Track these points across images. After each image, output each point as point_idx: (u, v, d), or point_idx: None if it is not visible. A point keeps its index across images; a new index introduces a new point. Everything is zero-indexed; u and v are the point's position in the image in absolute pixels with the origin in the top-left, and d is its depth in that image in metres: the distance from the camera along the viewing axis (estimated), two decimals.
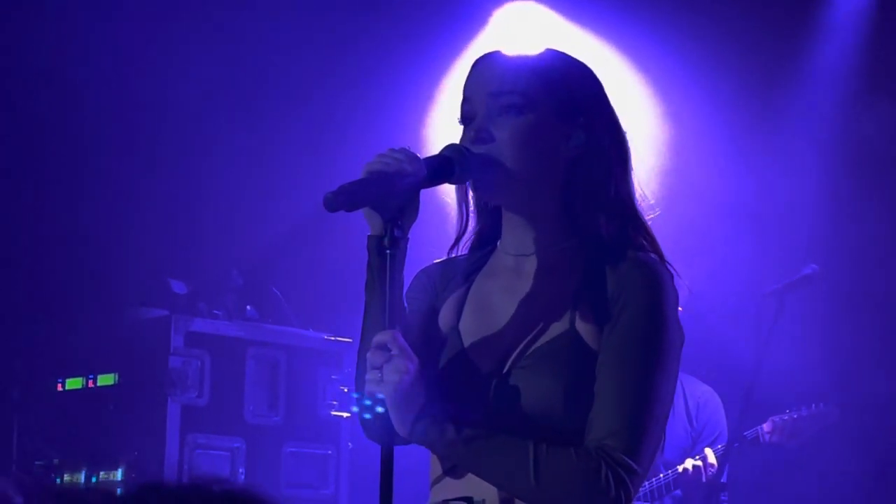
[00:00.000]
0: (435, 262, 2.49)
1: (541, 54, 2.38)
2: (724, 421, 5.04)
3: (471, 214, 2.44)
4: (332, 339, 5.69)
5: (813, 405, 4.96)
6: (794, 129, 5.80)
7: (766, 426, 4.93)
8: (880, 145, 5.59)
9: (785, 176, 5.74)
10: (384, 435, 2.17)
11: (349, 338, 5.69)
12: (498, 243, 2.42)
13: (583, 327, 2.25)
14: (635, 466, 2.17)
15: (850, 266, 5.53)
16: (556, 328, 2.27)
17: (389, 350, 2.17)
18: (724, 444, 4.89)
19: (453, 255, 2.46)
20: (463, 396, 2.28)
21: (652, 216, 2.41)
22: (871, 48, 5.69)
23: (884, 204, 5.58)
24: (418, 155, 2.22)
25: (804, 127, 5.78)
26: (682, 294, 2.34)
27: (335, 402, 5.64)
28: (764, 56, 5.69)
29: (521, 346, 2.28)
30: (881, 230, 5.55)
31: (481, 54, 2.41)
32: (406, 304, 2.39)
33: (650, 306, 2.24)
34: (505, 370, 2.27)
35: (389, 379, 2.16)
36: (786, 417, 4.93)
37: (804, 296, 5.06)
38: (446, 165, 2.26)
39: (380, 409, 2.18)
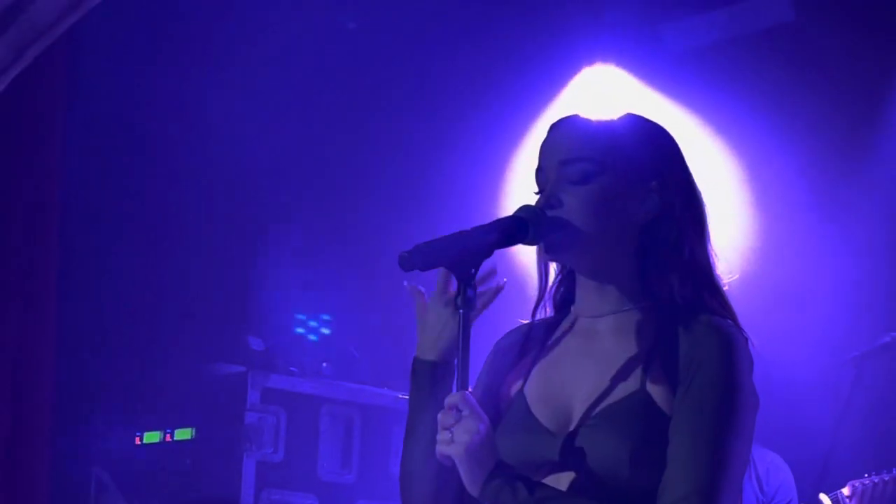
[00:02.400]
0: (520, 324, 2.50)
1: (616, 118, 2.40)
2: (794, 487, 4.99)
3: (550, 276, 2.46)
4: (406, 398, 5.69)
5: (894, 468, 4.88)
6: (876, 199, 5.75)
7: (846, 490, 4.85)
8: None
9: (865, 244, 5.69)
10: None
11: None
12: (572, 307, 2.43)
13: (654, 389, 2.25)
14: None
15: None
16: (627, 388, 2.27)
17: (460, 410, 2.19)
18: None
19: (537, 318, 2.47)
20: (529, 457, 2.28)
21: (729, 281, 2.41)
22: None
23: None
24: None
25: (886, 198, 5.73)
26: (756, 360, 2.33)
27: None
28: (844, 127, 5.66)
29: (590, 404, 2.28)
30: None
31: (557, 119, 2.43)
32: (486, 368, 2.41)
33: (725, 370, 2.24)
34: (572, 429, 2.28)
35: (460, 440, 2.17)
36: (866, 482, 4.85)
37: (883, 364, 5.01)
38: (520, 226, 2.28)
39: None
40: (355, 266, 5.94)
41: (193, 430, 5.35)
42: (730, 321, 2.33)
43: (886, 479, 4.85)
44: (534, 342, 2.44)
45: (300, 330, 2.06)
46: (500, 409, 2.39)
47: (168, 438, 5.41)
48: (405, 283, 2.37)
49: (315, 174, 6.04)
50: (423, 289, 2.38)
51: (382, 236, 5.76)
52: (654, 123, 2.43)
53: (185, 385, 5.45)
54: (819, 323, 5.61)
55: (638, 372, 2.27)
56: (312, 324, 2.20)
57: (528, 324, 2.47)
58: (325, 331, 2.16)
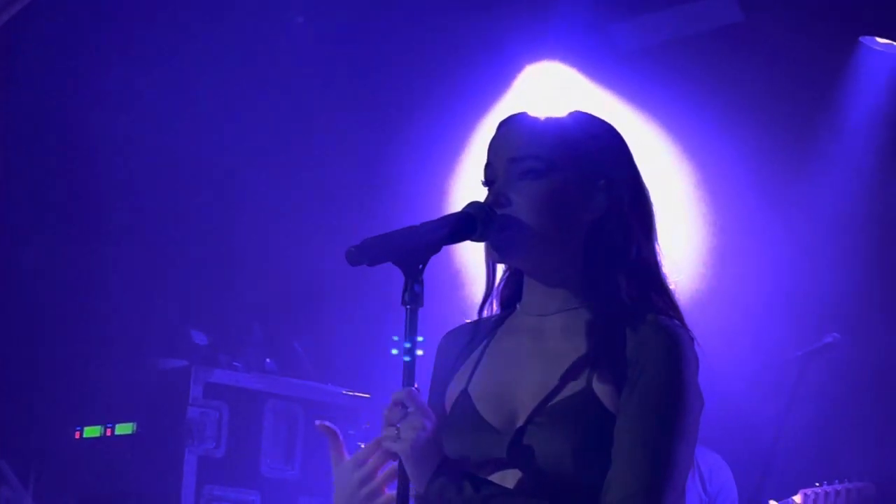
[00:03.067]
0: (465, 322, 2.49)
1: (564, 116, 2.39)
2: (735, 490, 5.00)
3: (497, 273, 2.45)
4: (351, 394, 5.68)
5: (847, 480, 4.89)
6: (822, 200, 5.79)
7: (797, 498, 4.87)
8: None
9: (811, 244, 5.73)
10: None
11: (367, 393, 5.68)
12: (518, 304, 2.42)
13: (600, 388, 2.24)
14: None
15: (873, 337, 5.51)
16: (573, 387, 2.26)
17: (406, 407, 2.18)
18: None
19: (483, 316, 2.46)
20: (474, 455, 2.27)
21: (676, 280, 2.41)
22: (894, 121, 5.70)
23: None
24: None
25: (832, 199, 5.78)
26: (702, 360, 2.33)
27: None
28: (791, 126, 5.70)
29: (536, 403, 2.28)
30: None
31: (505, 116, 2.42)
32: (434, 366, 2.40)
33: (670, 371, 2.24)
34: (518, 427, 2.27)
35: (406, 436, 2.16)
36: (818, 491, 4.85)
37: (825, 364, 5.05)
38: (468, 223, 2.27)
39: None
40: (303, 262, 5.91)
41: (134, 425, 5.31)
42: (676, 321, 2.32)
43: (839, 489, 4.85)
44: (479, 340, 2.43)
45: (395, 351, 2.08)
46: (445, 406, 2.38)
47: (109, 433, 5.37)
48: (316, 421, 2.37)
49: (261, 170, 6.00)
50: (336, 428, 2.38)
51: (328, 232, 5.74)
52: (603, 121, 2.42)
53: (126, 379, 5.41)
54: (763, 322, 5.65)
55: (584, 371, 2.27)
56: (407, 345, 2.19)
57: (473, 322, 2.46)
58: (420, 352, 2.16)
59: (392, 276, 2.24)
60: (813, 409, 5.17)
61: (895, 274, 5.59)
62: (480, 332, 2.44)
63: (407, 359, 2.18)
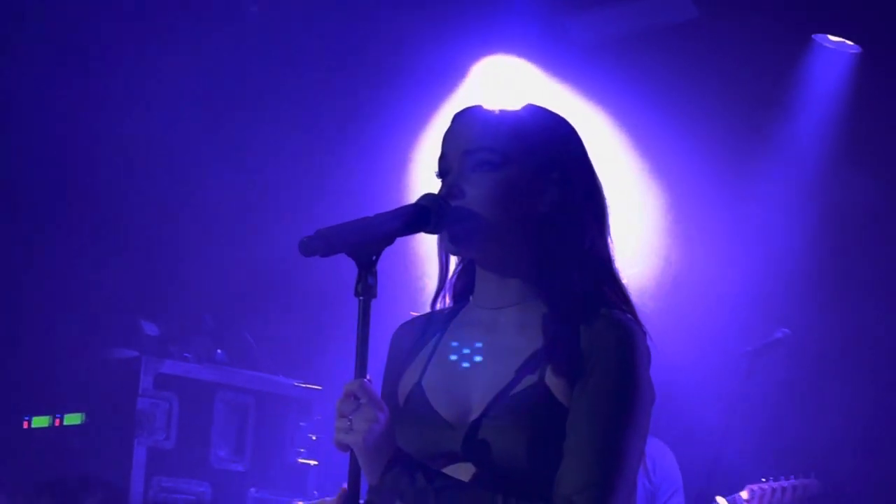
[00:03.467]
0: (415, 316, 2.49)
1: (519, 109, 2.39)
2: (680, 477, 5.04)
3: (451, 265, 2.45)
4: (302, 385, 5.67)
5: (793, 476, 4.93)
6: (771, 195, 5.83)
7: (744, 494, 4.90)
8: (855, 216, 5.63)
9: (763, 239, 5.77)
10: None
11: (319, 385, 5.67)
12: (471, 297, 2.42)
13: (553, 381, 2.25)
14: None
15: (822, 332, 5.56)
16: (526, 381, 2.26)
17: (359, 398, 2.17)
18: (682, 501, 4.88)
19: (436, 308, 2.46)
20: (428, 447, 2.27)
21: (629, 274, 2.42)
22: (848, 123, 5.74)
23: (856, 271, 5.61)
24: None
25: (781, 194, 5.82)
26: (653, 353, 2.34)
27: (302, 450, 5.61)
28: (745, 122, 5.73)
29: (489, 396, 2.28)
30: (854, 298, 5.59)
31: (460, 108, 2.42)
32: (387, 359, 2.39)
33: (622, 364, 2.25)
34: (472, 420, 2.27)
35: (359, 428, 2.15)
36: (765, 487, 4.90)
37: (775, 360, 5.08)
38: (422, 215, 2.26)
39: None
40: (257, 255, 5.89)
41: (83, 416, 5.28)
42: (629, 315, 2.33)
43: (785, 485, 4.91)
44: (432, 333, 2.42)
45: (453, 357, 2.08)
46: (398, 399, 2.37)
47: (57, 423, 5.33)
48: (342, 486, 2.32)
49: (213, 161, 5.96)
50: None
51: (281, 223, 5.72)
52: (557, 115, 2.42)
53: (75, 369, 5.37)
54: (715, 316, 5.68)
55: (537, 364, 2.27)
56: (466, 351, 2.20)
57: (426, 314, 2.46)
58: (478, 358, 2.16)
59: (346, 268, 2.24)
60: (762, 403, 5.20)
61: (845, 270, 5.63)
62: (433, 325, 2.43)
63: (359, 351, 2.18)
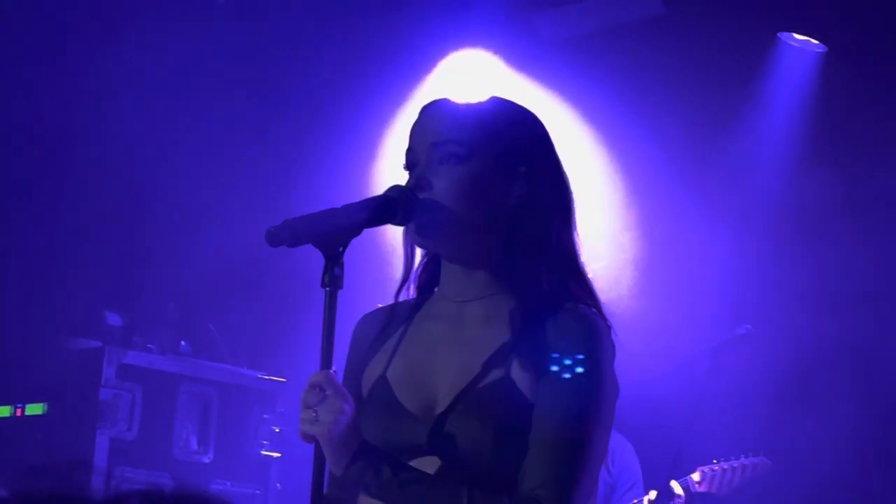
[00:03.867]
0: (378, 307, 2.49)
1: (486, 103, 2.40)
2: (639, 470, 5.07)
3: (416, 257, 2.45)
4: (267, 377, 5.65)
5: (742, 456, 5.00)
6: (735, 191, 5.86)
7: (695, 476, 4.96)
8: (815, 210, 5.67)
9: (728, 236, 5.80)
10: None
11: (283, 377, 5.66)
12: (436, 289, 2.42)
13: (518, 375, 2.25)
14: None
15: (781, 327, 5.59)
16: (492, 374, 2.27)
17: (324, 390, 2.17)
18: (640, 496, 4.92)
19: (400, 300, 2.46)
20: (393, 440, 2.27)
21: (594, 268, 2.43)
22: (812, 121, 5.77)
23: (820, 265, 5.65)
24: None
25: (746, 189, 5.85)
26: (618, 347, 2.36)
27: (266, 442, 5.60)
28: (710, 118, 5.76)
29: (455, 390, 2.28)
30: (818, 291, 5.62)
31: (428, 101, 2.42)
32: (349, 350, 2.39)
33: (587, 358, 2.26)
34: (438, 414, 2.27)
35: (324, 419, 2.15)
36: (715, 468, 4.96)
37: (738, 355, 5.11)
38: (389, 206, 2.26)
39: None
40: (223, 247, 5.87)
41: (45, 405, 5.25)
42: (594, 309, 2.34)
43: (735, 465, 4.97)
44: (396, 324, 2.42)
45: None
46: (361, 391, 2.38)
47: (19, 413, 5.30)
48: None
49: (178, 152, 5.93)
50: None
51: (246, 214, 5.70)
52: (525, 109, 2.43)
53: (38, 359, 5.34)
54: (679, 312, 5.70)
55: (504, 358, 2.28)
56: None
57: (389, 306, 2.46)
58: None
59: (313, 259, 2.24)
60: (725, 398, 5.23)
61: (809, 264, 5.67)
62: (397, 317, 2.43)
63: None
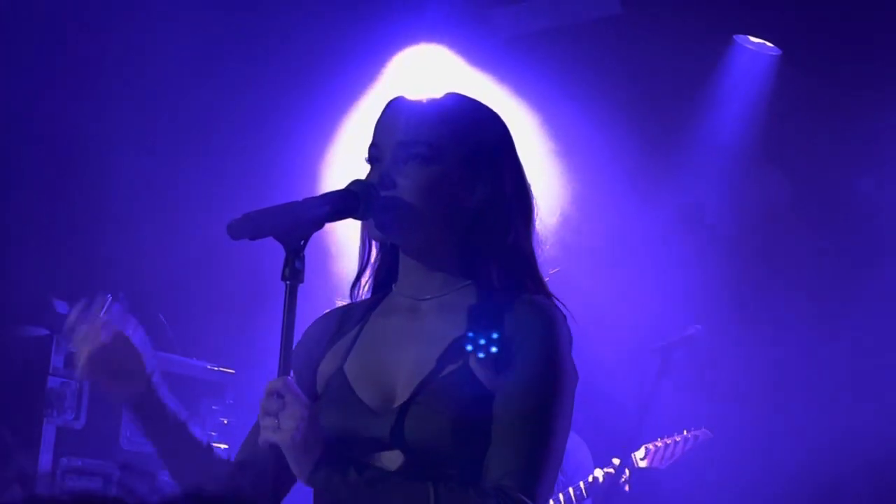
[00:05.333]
0: (336, 306, 2.48)
1: (451, 101, 2.40)
2: (593, 466, 5.11)
3: (373, 252, 2.45)
4: (215, 369, 5.63)
5: (684, 430, 5.08)
6: (685, 191, 5.89)
7: (639, 453, 5.03)
8: (769, 213, 5.71)
9: (677, 237, 5.83)
10: None
11: (232, 369, 5.64)
12: (394, 286, 2.42)
13: (476, 365, 2.26)
14: None
15: (732, 328, 5.63)
16: (450, 366, 2.28)
17: (282, 396, 2.16)
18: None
19: (355, 294, 2.45)
20: (352, 434, 2.27)
21: (552, 272, 2.44)
22: (763, 119, 5.81)
23: (771, 267, 5.69)
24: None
25: (697, 189, 5.88)
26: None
27: (214, 434, 5.57)
28: (663, 117, 5.78)
29: (413, 382, 2.28)
30: (768, 293, 5.67)
31: (393, 97, 2.42)
32: (301, 351, 2.38)
33: (545, 347, 2.28)
34: (397, 406, 2.27)
35: (286, 426, 2.15)
36: (658, 444, 5.05)
37: (686, 355, 5.14)
38: (351, 201, 2.26)
39: None
40: (175, 233, 5.84)
41: None
42: (551, 299, 2.35)
43: (678, 439, 5.06)
44: (352, 323, 2.42)
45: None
46: (314, 390, 2.37)
47: None
48: None
49: (131, 140, 5.89)
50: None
51: (199, 205, 5.67)
52: (488, 108, 2.44)
53: None
54: (628, 310, 5.73)
55: (461, 350, 2.28)
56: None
57: (343, 307, 2.46)
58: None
59: (271, 251, 2.23)
60: (673, 397, 5.26)
61: (760, 265, 5.71)
62: (353, 315, 2.44)
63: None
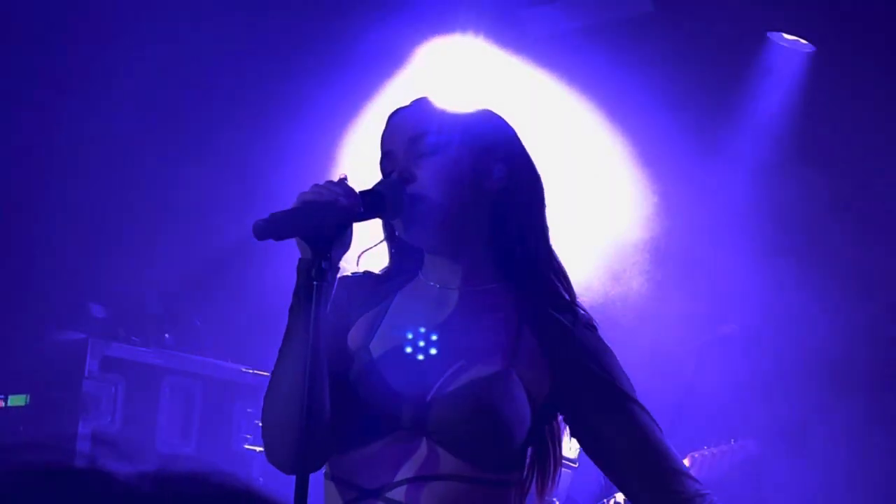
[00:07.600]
0: (353, 272, 2.47)
1: (449, 100, 2.44)
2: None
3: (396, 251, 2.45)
4: (250, 371, 5.64)
5: (731, 440, 5.04)
6: (727, 192, 5.86)
7: (686, 461, 4.98)
8: (804, 211, 5.67)
9: (716, 237, 5.80)
10: (296, 463, 2.16)
11: (267, 371, 5.64)
12: (420, 273, 2.41)
13: (521, 371, 2.27)
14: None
15: (770, 326, 5.60)
16: (491, 366, 2.27)
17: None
18: None
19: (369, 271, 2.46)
20: (374, 413, 2.26)
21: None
22: (800, 120, 5.78)
23: (807, 264, 5.66)
24: (355, 189, 2.22)
25: (737, 190, 5.85)
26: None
27: (249, 436, 5.59)
28: (702, 116, 5.75)
29: (448, 375, 2.27)
30: (805, 289, 5.64)
31: (390, 111, 2.44)
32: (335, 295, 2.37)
33: (611, 359, 2.39)
34: (429, 398, 2.26)
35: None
36: (705, 453, 5.00)
37: (722, 354, 5.12)
38: (378, 201, 2.26)
39: None
40: (205, 236, 5.85)
41: (28, 397, 5.23)
42: (583, 310, 2.41)
43: (724, 448, 5.02)
44: (381, 297, 2.40)
45: (406, 333, 2.11)
46: (340, 347, 2.35)
47: (1, 404, 5.28)
48: None
49: (156, 143, 5.91)
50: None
51: (231, 206, 5.68)
52: (490, 110, 2.47)
53: (21, 350, 5.32)
54: (664, 310, 5.70)
55: (501, 351, 2.28)
56: (421, 329, 2.27)
57: (374, 274, 2.44)
58: (434, 337, 2.23)
59: (296, 252, 2.22)
60: (710, 397, 5.24)
61: (794, 268, 5.68)
62: (381, 290, 2.42)
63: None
